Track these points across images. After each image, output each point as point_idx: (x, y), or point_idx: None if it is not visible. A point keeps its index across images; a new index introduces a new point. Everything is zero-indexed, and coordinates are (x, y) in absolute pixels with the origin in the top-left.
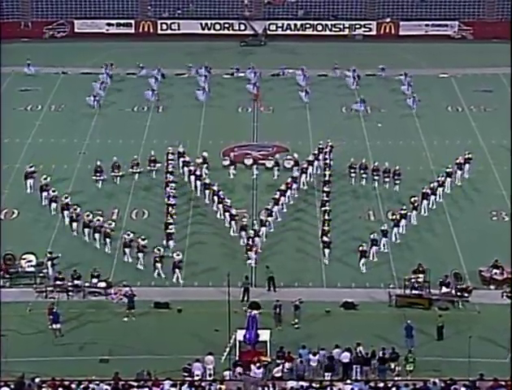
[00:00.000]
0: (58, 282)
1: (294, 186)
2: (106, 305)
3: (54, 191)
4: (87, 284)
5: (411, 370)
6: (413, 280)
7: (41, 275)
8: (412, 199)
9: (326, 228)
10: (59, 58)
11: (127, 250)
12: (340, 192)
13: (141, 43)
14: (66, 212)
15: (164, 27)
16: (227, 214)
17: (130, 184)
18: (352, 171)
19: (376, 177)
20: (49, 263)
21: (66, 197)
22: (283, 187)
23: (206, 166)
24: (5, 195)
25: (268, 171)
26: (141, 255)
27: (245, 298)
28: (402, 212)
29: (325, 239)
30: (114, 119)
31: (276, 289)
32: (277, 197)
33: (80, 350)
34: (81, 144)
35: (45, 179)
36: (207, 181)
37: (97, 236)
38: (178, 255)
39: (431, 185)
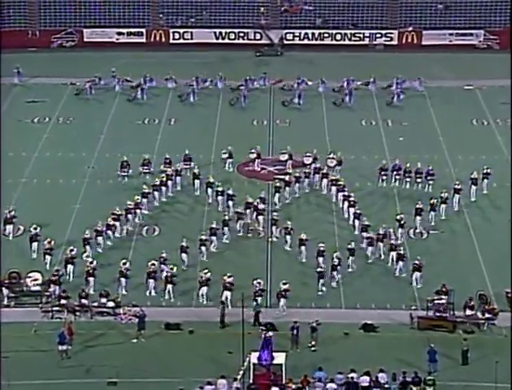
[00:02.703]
0: (62, 301)
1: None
2: (115, 326)
3: (49, 242)
4: (95, 304)
5: None
6: (436, 302)
7: (47, 294)
8: (398, 217)
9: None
10: (68, 68)
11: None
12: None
13: (153, 53)
14: (70, 266)
15: (177, 36)
16: (288, 237)
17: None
18: (383, 173)
19: (408, 179)
20: (56, 282)
21: (71, 250)
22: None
23: (231, 160)
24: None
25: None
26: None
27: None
28: (381, 231)
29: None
30: (124, 131)
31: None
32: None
33: (87, 373)
34: (90, 158)
35: (35, 229)
36: (250, 200)
37: (151, 282)
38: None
39: (432, 201)
